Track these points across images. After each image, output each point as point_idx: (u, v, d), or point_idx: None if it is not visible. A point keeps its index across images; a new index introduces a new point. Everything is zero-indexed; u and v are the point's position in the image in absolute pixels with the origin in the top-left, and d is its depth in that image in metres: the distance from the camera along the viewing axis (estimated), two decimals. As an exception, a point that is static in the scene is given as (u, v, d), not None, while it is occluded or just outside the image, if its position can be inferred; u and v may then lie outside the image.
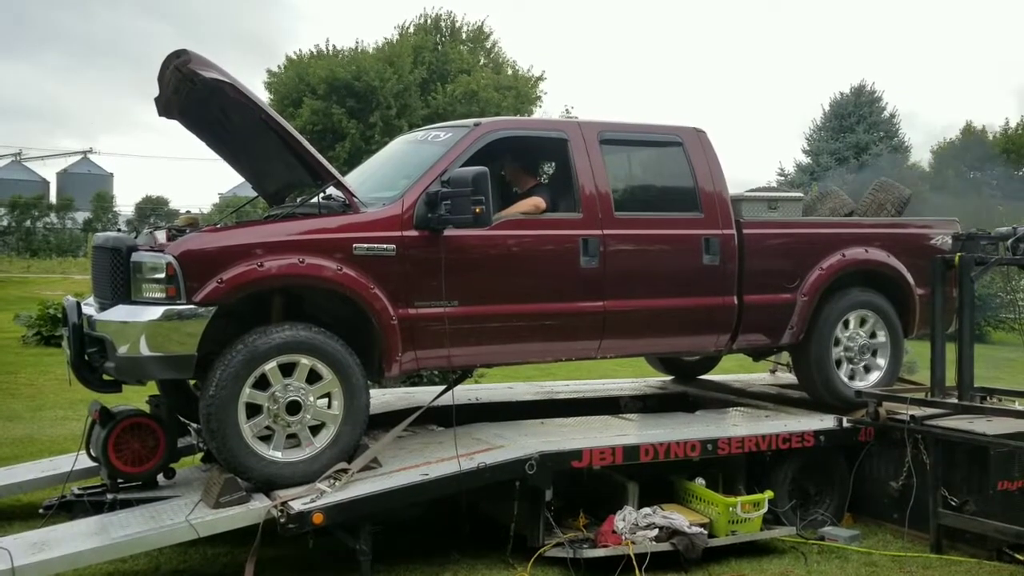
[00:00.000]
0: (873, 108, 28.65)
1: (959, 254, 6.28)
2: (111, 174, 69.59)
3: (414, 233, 5.18)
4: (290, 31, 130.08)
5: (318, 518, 4.52)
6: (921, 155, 51.90)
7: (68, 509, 5.37)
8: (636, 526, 5.21)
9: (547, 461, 5.14)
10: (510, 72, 33.77)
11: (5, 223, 45.66)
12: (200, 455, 5.79)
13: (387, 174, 5.97)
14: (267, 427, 4.84)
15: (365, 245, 5.06)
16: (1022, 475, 5.67)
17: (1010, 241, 6.32)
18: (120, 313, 4.75)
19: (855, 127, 27.96)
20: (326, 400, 4.99)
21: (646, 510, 5.34)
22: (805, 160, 29.12)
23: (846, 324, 6.56)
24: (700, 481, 5.68)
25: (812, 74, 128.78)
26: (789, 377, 7.72)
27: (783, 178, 29.81)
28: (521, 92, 32.42)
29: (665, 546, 5.16)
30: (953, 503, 5.65)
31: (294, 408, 4.86)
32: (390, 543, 5.42)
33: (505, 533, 5.22)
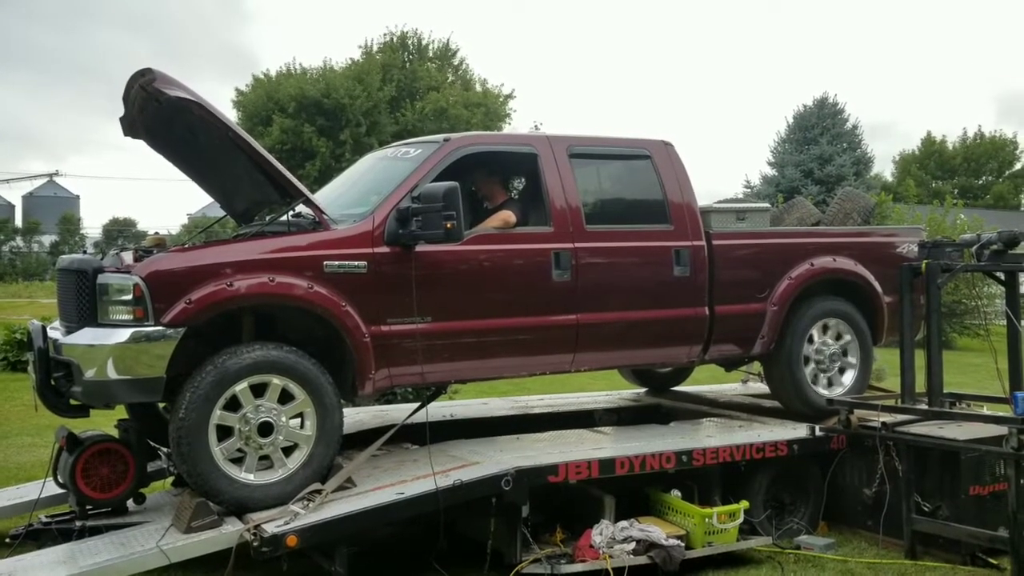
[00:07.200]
0: (836, 120, 28.96)
1: (925, 261, 6.37)
2: (77, 196, 68.99)
3: (385, 249, 5.15)
4: (268, 48, 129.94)
5: (292, 540, 4.45)
6: (885, 166, 52.76)
7: (35, 538, 5.28)
8: (613, 540, 5.20)
9: (523, 477, 5.11)
10: (479, 89, 33.86)
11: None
12: (170, 479, 5.70)
13: (357, 191, 5.95)
14: (239, 449, 4.78)
15: (336, 262, 5.03)
16: (993, 480, 5.74)
17: (975, 248, 6.41)
18: (86, 336, 4.67)
19: (819, 139, 28.25)
20: (299, 420, 4.94)
21: (623, 523, 5.33)
22: (771, 172, 29.38)
23: (816, 333, 6.62)
24: (676, 493, 5.68)
25: (779, 86, 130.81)
26: (761, 387, 7.77)
27: (749, 190, 30.04)
28: (491, 109, 32.50)
29: (643, 559, 5.16)
30: (926, 509, 5.71)
31: (266, 429, 4.81)
32: (366, 564, 5.37)
33: (482, 550, 5.18)
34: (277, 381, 4.82)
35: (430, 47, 34.47)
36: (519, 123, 34.47)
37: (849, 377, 6.74)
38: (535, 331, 5.63)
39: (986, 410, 6.68)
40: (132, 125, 5.43)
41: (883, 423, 5.95)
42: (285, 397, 4.87)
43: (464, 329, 5.39)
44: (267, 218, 5.82)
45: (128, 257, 4.92)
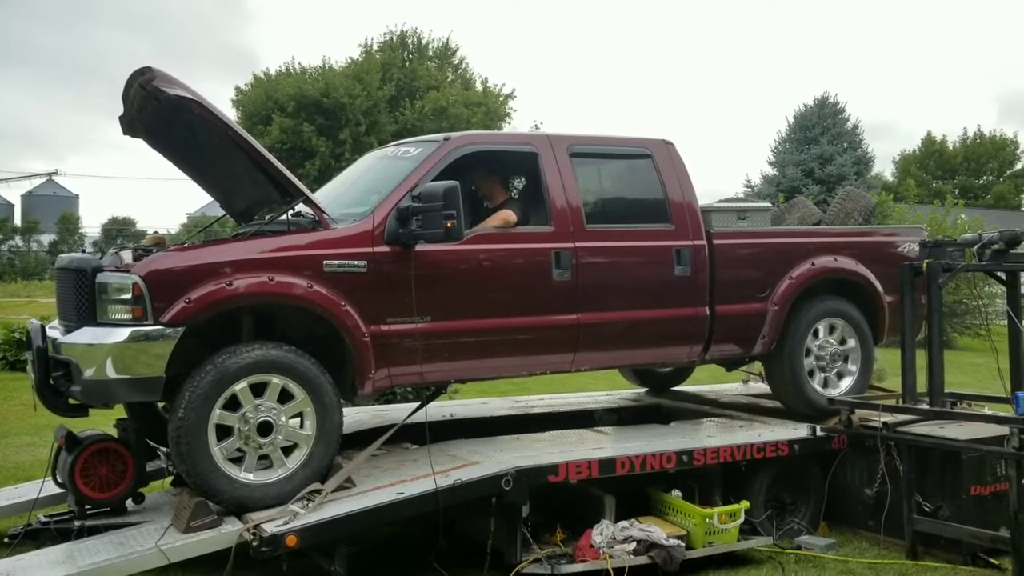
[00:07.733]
0: (836, 119, 28.94)
1: (927, 261, 6.35)
2: (77, 195, 68.86)
3: (385, 249, 5.14)
4: (268, 47, 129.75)
5: (292, 540, 4.44)
6: (885, 166, 52.76)
7: (34, 537, 5.26)
8: (614, 540, 5.19)
9: (523, 476, 5.10)
10: (479, 88, 33.85)
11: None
12: (170, 479, 5.68)
13: (357, 190, 5.94)
14: (238, 449, 4.76)
15: (336, 262, 5.01)
16: (994, 480, 5.73)
17: (976, 247, 6.39)
18: (86, 335, 4.66)
19: (819, 138, 28.24)
20: (298, 420, 4.93)
21: (623, 523, 5.32)
22: (772, 172, 29.38)
23: (817, 332, 6.61)
24: (676, 493, 5.67)
25: (779, 86, 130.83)
26: (762, 387, 7.76)
27: (750, 190, 30.03)
28: (491, 108, 32.48)
29: (643, 559, 5.15)
30: (927, 509, 5.70)
31: (265, 429, 4.79)
32: (366, 564, 5.36)
33: (482, 550, 5.17)
34: (277, 380, 4.81)
35: (430, 46, 34.44)
36: (519, 122, 34.47)
37: (850, 377, 6.72)
38: (535, 331, 5.61)
39: (987, 410, 6.67)
40: (131, 124, 5.42)
41: (884, 423, 5.94)
42: (285, 396, 4.85)
43: (464, 329, 5.38)
44: (267, 217, 5.80)
45: (127, 256, 4.90)
